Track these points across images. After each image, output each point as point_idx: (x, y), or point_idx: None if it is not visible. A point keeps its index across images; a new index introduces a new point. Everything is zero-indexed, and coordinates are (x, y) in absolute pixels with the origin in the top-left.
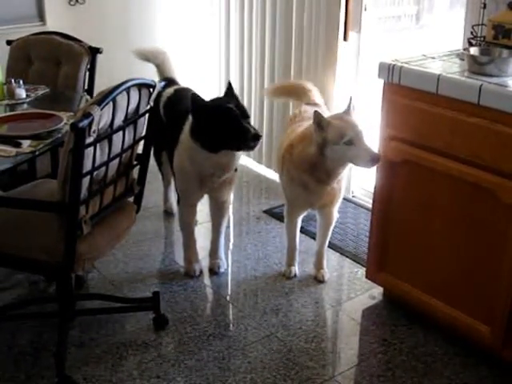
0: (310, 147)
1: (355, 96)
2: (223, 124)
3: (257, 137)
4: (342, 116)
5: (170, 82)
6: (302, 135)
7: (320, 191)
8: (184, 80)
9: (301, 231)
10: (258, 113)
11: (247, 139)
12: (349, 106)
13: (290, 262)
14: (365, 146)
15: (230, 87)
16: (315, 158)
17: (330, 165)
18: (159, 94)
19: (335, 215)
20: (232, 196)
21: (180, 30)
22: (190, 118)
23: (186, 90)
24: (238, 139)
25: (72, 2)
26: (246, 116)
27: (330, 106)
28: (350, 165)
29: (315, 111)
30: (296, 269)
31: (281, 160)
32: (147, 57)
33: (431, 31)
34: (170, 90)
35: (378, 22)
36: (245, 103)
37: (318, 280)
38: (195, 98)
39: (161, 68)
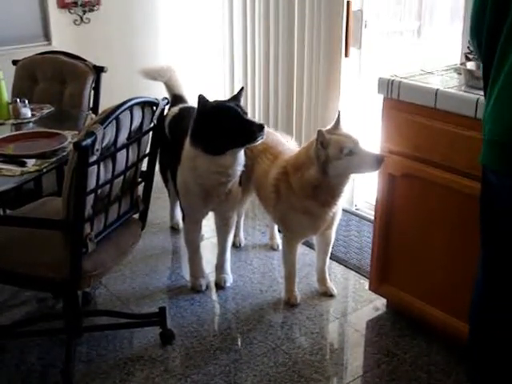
0: (310, 171)
1: (356, 111)
2: (227, 121)
3: (261, 127)
4: (334, 130)
5: (178, 98)
6: (296, 161)
7: (324, 215)
8: (190, 95)
9: (305, 244)
10: None
11: (253, 131)
12: (337, 120)
13: (292, 288)
14: (365, 151)
15: (239, 91)
16: (318, 181)
17: (334, 182)
18: (163, 113)
19: (333, 235)
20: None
21: (184, 48)
22: (190, 129)
23: (191, 109)
24: (244, 133)
25: (77, 22)
26: (245, 113)
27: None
28: (351, 180)
29: (319, 130)
30: (298, 293)
31: (272, 190)
32: (154, 76)
33: (432, 46)
34: (175, 109)
35: (379, 38)
36: None
37: (329, 295)
38: (201, 99)
39: (169, 85)
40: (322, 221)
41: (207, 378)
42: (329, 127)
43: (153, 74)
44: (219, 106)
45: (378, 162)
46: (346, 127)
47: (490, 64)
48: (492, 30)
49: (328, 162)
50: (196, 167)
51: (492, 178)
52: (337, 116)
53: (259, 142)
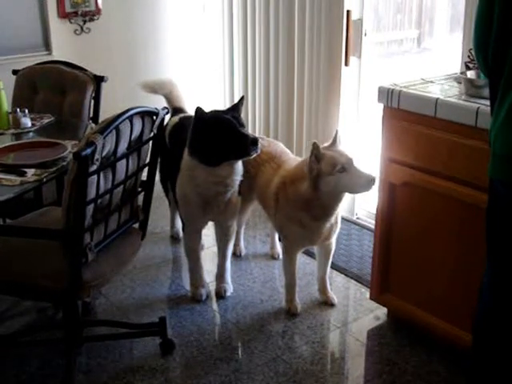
0: (303, 184)
1: (356, 120)
2: (221, 134)
3: (255, 142)
4: (331, 147)
5: (178, 111)
6: (293, 173)
7: (318, 229)
8: (190, 107)
9: (305, 253)
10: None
11: (246, 145)
12: (335, 139)
13: (292, 298)
14: (357, 170)
15: (239, 101)
16: (309, 195)
17: (325, 199)
18: (164, 122)
19: (334, 244)
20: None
21: (184, 58)
22: (188, 140)
23: (191, 119)
24: (238, 147)
25: (78, 32)
26: (242, 125)
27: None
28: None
29: (314, 142)
30: (298, 303)
31: (273, 198)
32: (154, 89)
33: (432, 54)
34: (175, 119)
35: (380, 46)
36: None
37: (330, 304)
38: (199, 111)
39: (169, 98)
40: (316, 234)
41: None
42: (326, 144)
43: (153, 87)
44: (214, 117)
45: (369, 183)
46: (342, 146)
47: (498, 77)
48: (500, 41)
49: (320, 176)
50: (194, 177)
51: (501, 190)
52: (334, 134)
53: (253, 156)
